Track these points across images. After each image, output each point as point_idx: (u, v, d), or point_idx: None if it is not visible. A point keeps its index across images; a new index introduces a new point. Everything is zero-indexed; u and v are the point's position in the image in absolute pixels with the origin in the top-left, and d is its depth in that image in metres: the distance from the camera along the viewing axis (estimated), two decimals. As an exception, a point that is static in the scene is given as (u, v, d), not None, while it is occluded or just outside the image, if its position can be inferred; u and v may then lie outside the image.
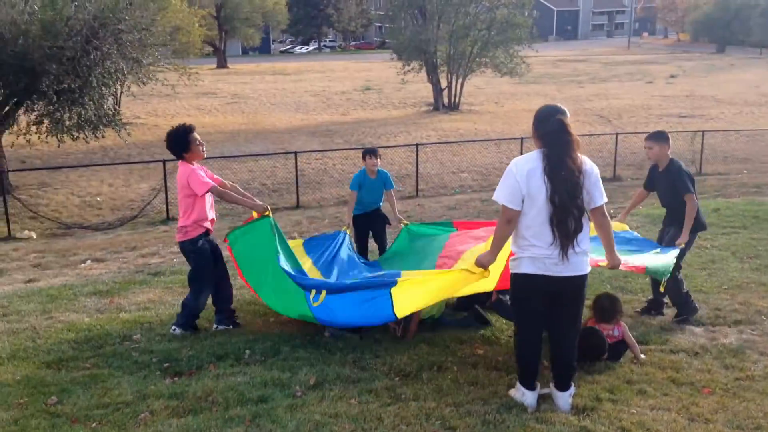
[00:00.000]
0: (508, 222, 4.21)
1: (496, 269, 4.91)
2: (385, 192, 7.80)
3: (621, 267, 4.77)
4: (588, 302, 5.22)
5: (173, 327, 6.01)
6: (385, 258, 7.17)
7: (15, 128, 16.03)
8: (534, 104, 5.61)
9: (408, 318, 5.50)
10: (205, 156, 5.95)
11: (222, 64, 57.09)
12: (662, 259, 5.62)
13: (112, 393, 4.67)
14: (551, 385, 4.46)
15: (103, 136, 16.80)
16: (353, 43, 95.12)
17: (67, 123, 15.42)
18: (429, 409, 4.32)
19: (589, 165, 4.22)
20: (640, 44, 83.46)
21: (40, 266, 9.79)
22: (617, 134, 19.01)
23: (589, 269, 4.31)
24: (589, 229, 4.29)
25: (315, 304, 5.36)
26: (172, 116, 28.19)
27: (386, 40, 60.63)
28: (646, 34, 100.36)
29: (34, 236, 12.55)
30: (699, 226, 6.19)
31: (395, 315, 5.06)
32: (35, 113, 15.66)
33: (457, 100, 31.72)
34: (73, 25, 14.25)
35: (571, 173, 4.09)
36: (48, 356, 5.44)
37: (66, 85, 14.42)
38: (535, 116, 4.31)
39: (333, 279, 6.20)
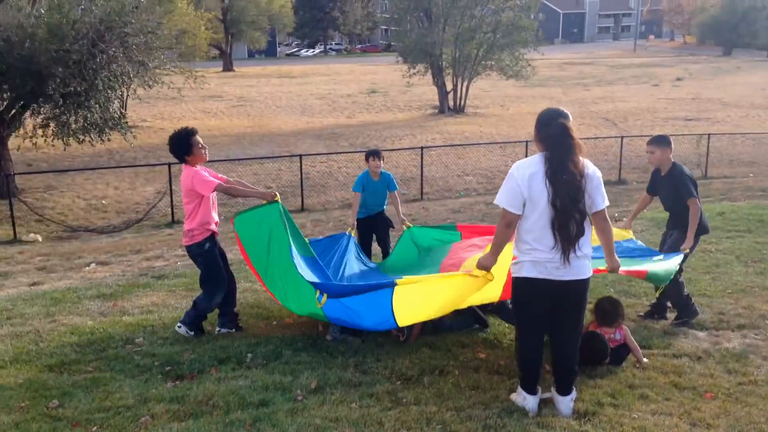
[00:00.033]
0: (507, 225, 4.20)
1: (500, 276, 4.85)
2: (388, 194, 7.79)
3: (621, 272, 4.76)
4: (590, 306, 5.21)
5: (179, 324, 6.02)
6: (386, 266, 7.12)
7: (21, 131, 16.14)
8: (539, 107, 5.60)
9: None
10: (207, 159, 5.95)
11: (228, 67, 57.30)
12: (665, 265, 5.60)
13: (113, 396, 4.68)
14: (553, 389, 4.45)
15: (108, 139, 16.88)
16: (359, 46, 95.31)
17: (73, 126, 15.48)
18: (430, 413, 4.31)
19: (591, 169, 4.21)
20: (646, 47, 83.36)
21: (44, 269, 9.82)
22: (622, 137, 18.96)
23: (590, 273, 4.30)
24: (591, 233, 4.28)
25: (319, 305, 5.35)
26: (177, 119, 28.30)
27: (392, 43, 60.92)
28: (652, 36, 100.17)
29: (40, 239, 12.60)
30: (702, 229, 6.18)
31: (396, 321, 4.99)
32: (41, 116, 15.75)
33: (462, 103, 31.73)
34: (79, 28, 14.32)
35: (572, 177, 4.08)
36: (50, 359, 5.45)
37: (72, 89, 14.50)
38: (538, 119, 4.30)
39: (336, 281, 6.16)
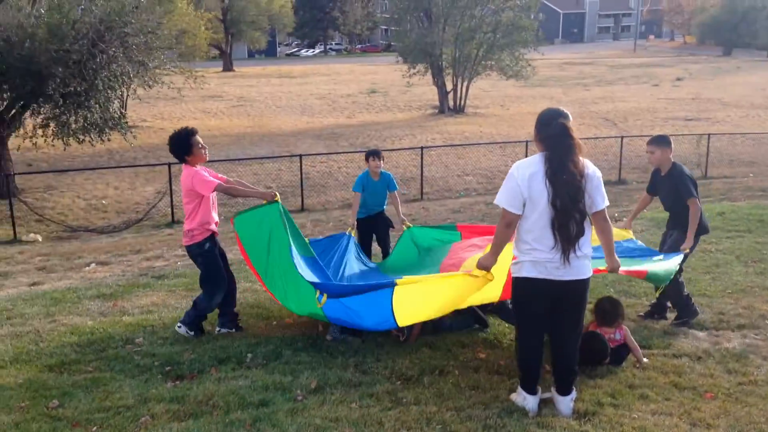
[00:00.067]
0: (507, 225, 4.20)
1: (500, 276, 4.85)
2: (388, 194, 7.79)
3: (621, 272, 4.76)
4: (590, 306, 5.21)
5: (179, 324, 6.03)
6: (386, 266, 7.12)
7: (21, 131, 16.14)
8: (539, 107, 5.61)
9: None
10: (207, 159, 5.95)
11: (228, 67, 57.30)
12: (665, 266, 5.60)
13: (113, 396, 4.68)
14: (553, 389, 4.45)
15: (108, 139, 16.88)
16: (359, 46, 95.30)
17: (73, 126, 15.49)
18: (430, 413, 4.31)
19: (591, 169, 4.21)
20: (646, 47, 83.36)
21: (44, 269, 9.82)
22: (623, 137, 18.95)
23: (590, 273, 4.30)
24: (591, 233, 4.27)
25: (319, 305, 5.35)
26: (178, 119, 28.30)
27: (392, 43, 60.92)
28: (652, 36, 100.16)
29: (40, 239, 12.60)
30: (702, 229, 6.18)
31: (396, 321, 4.99)
32: (41, 116, 15.75)
33: (462, 103, 31.73)
34: (79, 28, 14.32)
35: (572, 177, 4.08)
36: (50, 359, 5.45)
37: (72, 89, 14.49)
38: (538, 119, 4.30)
39: (336, 282, 6.16)
